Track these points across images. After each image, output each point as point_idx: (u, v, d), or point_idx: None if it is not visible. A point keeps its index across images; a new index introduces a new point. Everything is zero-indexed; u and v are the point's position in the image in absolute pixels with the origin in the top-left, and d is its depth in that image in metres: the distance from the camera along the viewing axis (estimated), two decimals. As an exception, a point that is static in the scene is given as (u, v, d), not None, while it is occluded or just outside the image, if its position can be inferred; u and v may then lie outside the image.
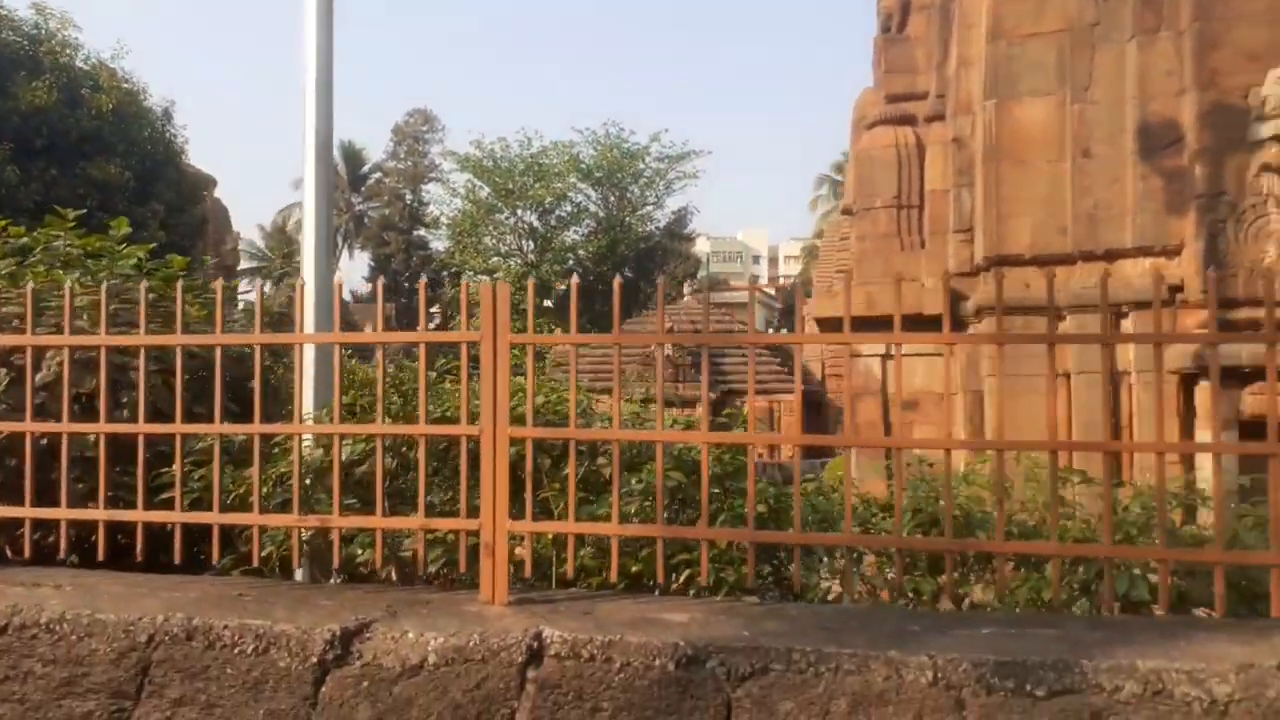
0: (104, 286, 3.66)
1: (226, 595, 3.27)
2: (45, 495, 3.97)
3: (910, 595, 3.65)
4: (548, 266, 36.97)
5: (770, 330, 42.27)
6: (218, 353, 3.50)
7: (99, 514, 3.51)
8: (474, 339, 3.36)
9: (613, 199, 40.53)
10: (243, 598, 3.26)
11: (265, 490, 3.98)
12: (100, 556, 3.47)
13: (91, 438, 4.34)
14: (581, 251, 39.11)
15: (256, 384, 3.47)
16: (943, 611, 3.30)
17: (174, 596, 3.22)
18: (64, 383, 3.63)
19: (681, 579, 3.53)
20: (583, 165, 39.13)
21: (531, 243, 39.94)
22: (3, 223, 5.58)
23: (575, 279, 3.51)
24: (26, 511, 3.56)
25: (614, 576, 3.21)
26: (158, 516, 3.48)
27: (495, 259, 39.68)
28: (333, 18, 4.64)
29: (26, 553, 3.59)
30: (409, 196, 48.66)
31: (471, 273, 38.26)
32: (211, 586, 3.44)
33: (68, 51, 16.56)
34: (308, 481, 4.10)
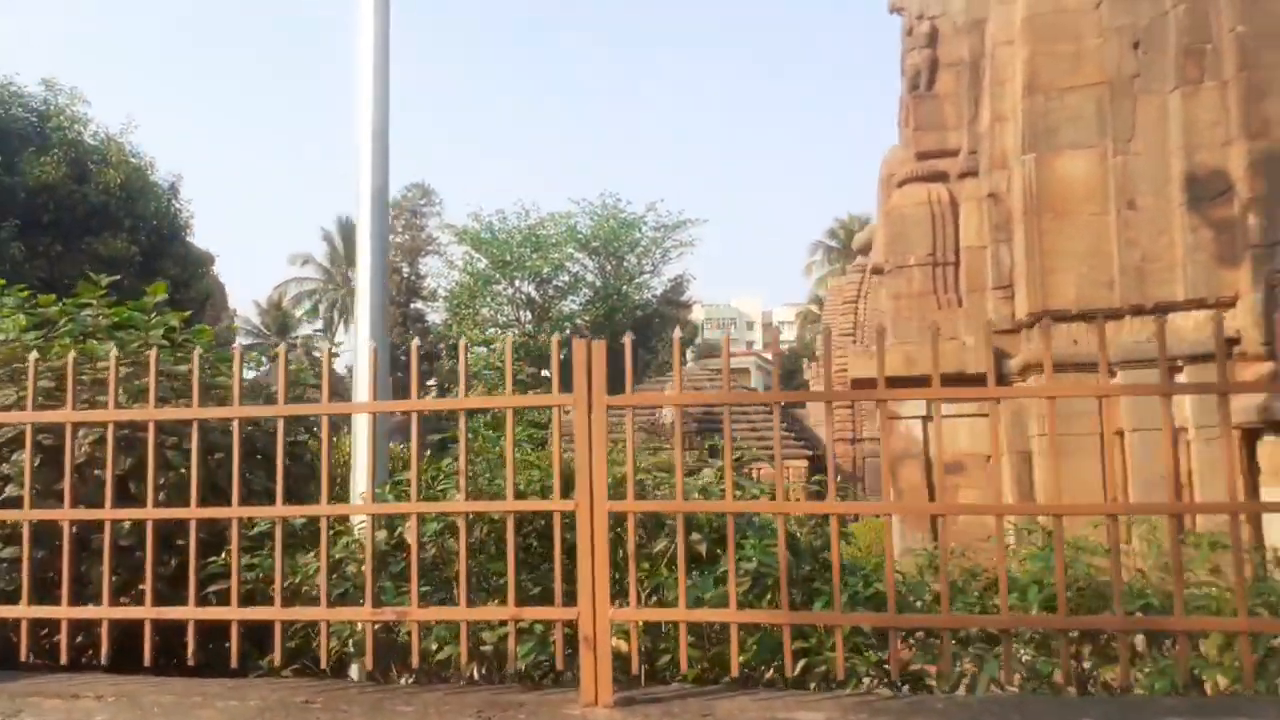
0: (153, 354, 3.34)
1: (291, 703, 2.88)
2: (70, 590, 3.59)
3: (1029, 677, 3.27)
4: (546, 336, 36.83)
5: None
6: (279, 425, 3.16)
7: (145, 612, 3.12)
8: (566, 403, 3.03)
9: (609, 268, 40.61)
10: (310, 705, 2.87)
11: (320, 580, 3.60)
12: (147, 661, 3.07)
13: (126, 525, 3.98)
14: (580, 320, 39.04)
15: (324, 458, 3.13)
16: (1105, 697, 2.92)
17: (232, 706, 2.84)
18: (107, 464, 3.27)
19: (798, 669, 3.14)
20: (580, 235, 39.27)
21: (529, 313, 39.87)
22: (24, 291, 5.27)
23: (678, 333, 3.21)
24: (64, 611, 3.17)
25: (735, 670, 2.83)
26: (213, 614, 3.10)
27: (493, 330, 39.56)
28: (388, 66, 4.42)
29: (63, 657, 3.18)
30: (406, 269, 48.62)
31: (470, 344, 37.99)
32: (271, 691, 3.04)
33: (76, 127, 16.47)
34: (363, 568, 3.73)
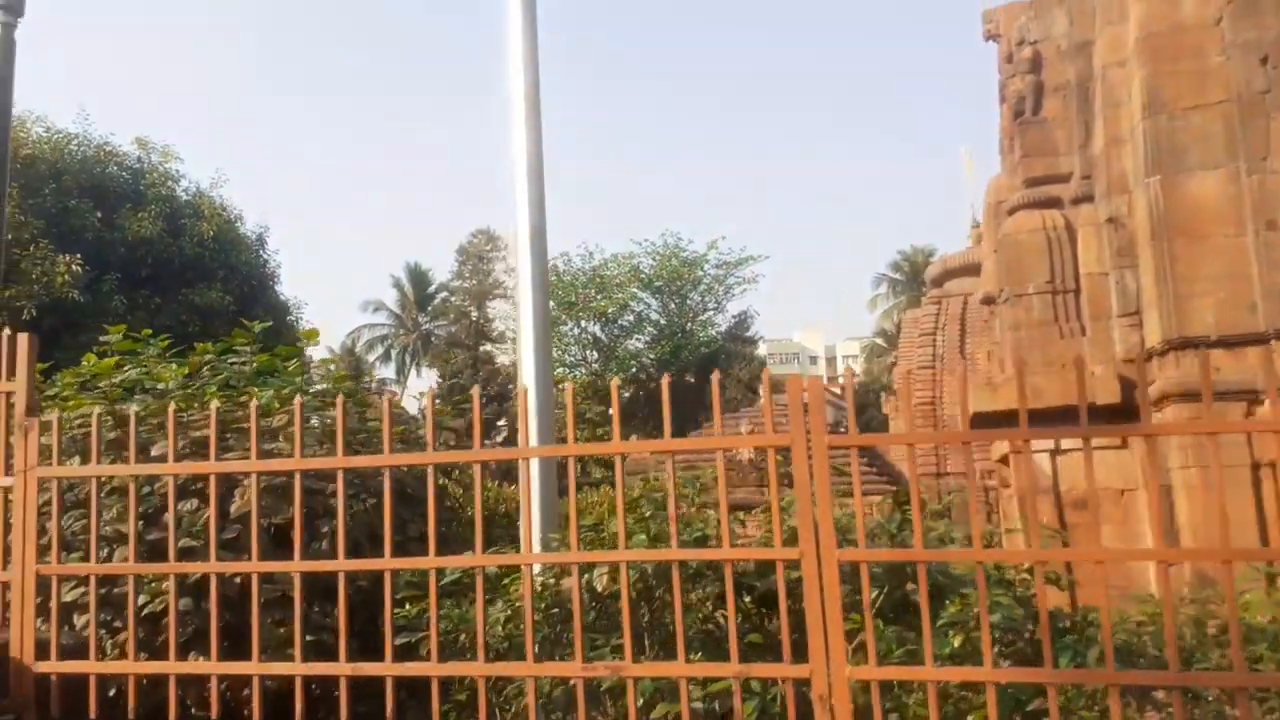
0: (339, 400, 3.23)
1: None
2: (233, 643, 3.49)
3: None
4: (612, 375, 36.95)
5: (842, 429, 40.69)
6: (476, 471, 3.02)
7: (340, 668, 2.98)
8: (782, 443, 2.85)
9: (673, 306, 40.65)
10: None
11: (506, 630, 3.45)
12: (344, 718, 2.92)
13: (288, 575, 3.88)
14: (645, 359, 39.06)
15: (525, 505, 2.98)
16: None
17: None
18: (296, 514, 3.16)
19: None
20: (643, 275, 39.49)
21: (595, 352, 40.02)
22: (165, 341, 5.29)
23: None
24: (255, 667, 3.04)
25: (995, 738, 2.56)
26: (413, 669, 2.95)
27: (561, 370, 39.75)
28: (540, 108, 4.33)
29: (256, 715, 3.05)
30: (474, 314, 49.28)
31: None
32: (475, 754, 2.86)
33: (169, 183, 16.98)
34: (538, 618, 3.56)
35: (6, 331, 3.53)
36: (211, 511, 3.20)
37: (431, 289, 50.56)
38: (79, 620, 3.91)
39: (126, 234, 15.41)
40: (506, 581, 3.65)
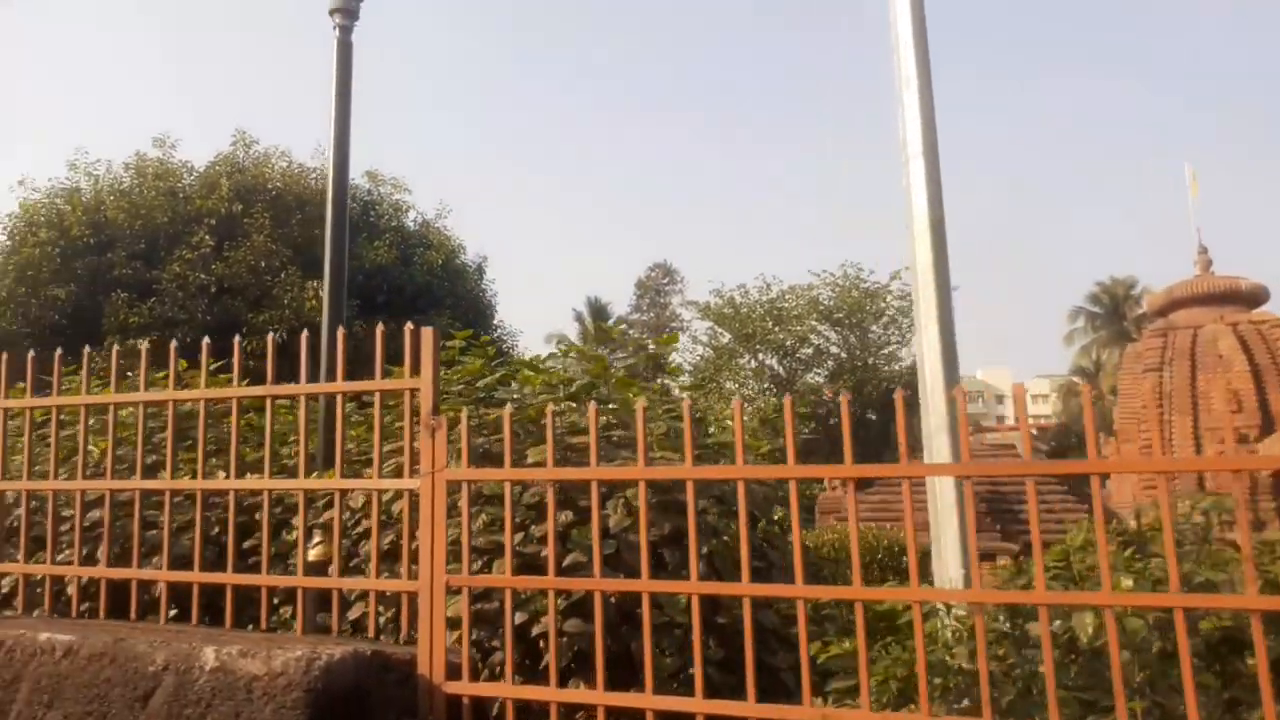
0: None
1: None
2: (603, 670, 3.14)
3: None
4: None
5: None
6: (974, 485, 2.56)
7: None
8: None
9: (854, 339, 39.53)
10: None
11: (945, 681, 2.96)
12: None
13: (684, 600, 3.55)
14: (825, 393, 38.06)
15: (1034, 520, 2.48)
16: None
17: None
18: (743, 527, 2.78)
19: None
20: (822, 307, 38.59)
21: (773, 386, 39.39)
22: (491, 351, 5.19)
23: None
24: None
25: None
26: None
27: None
28: (933, 93, 3.90)
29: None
30: (652, 346, 49.93)
31: (714, 417, 37.95)
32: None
33: (398, 214, 17.76)
34: (951, 662, 3.06)
35: (409, 325, 3.40)
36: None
37: (611, 322, 51.41)
38: (449, 636, 3.70)
39: (364, 262, 16.16)
40: (902, 622, 3.17)
